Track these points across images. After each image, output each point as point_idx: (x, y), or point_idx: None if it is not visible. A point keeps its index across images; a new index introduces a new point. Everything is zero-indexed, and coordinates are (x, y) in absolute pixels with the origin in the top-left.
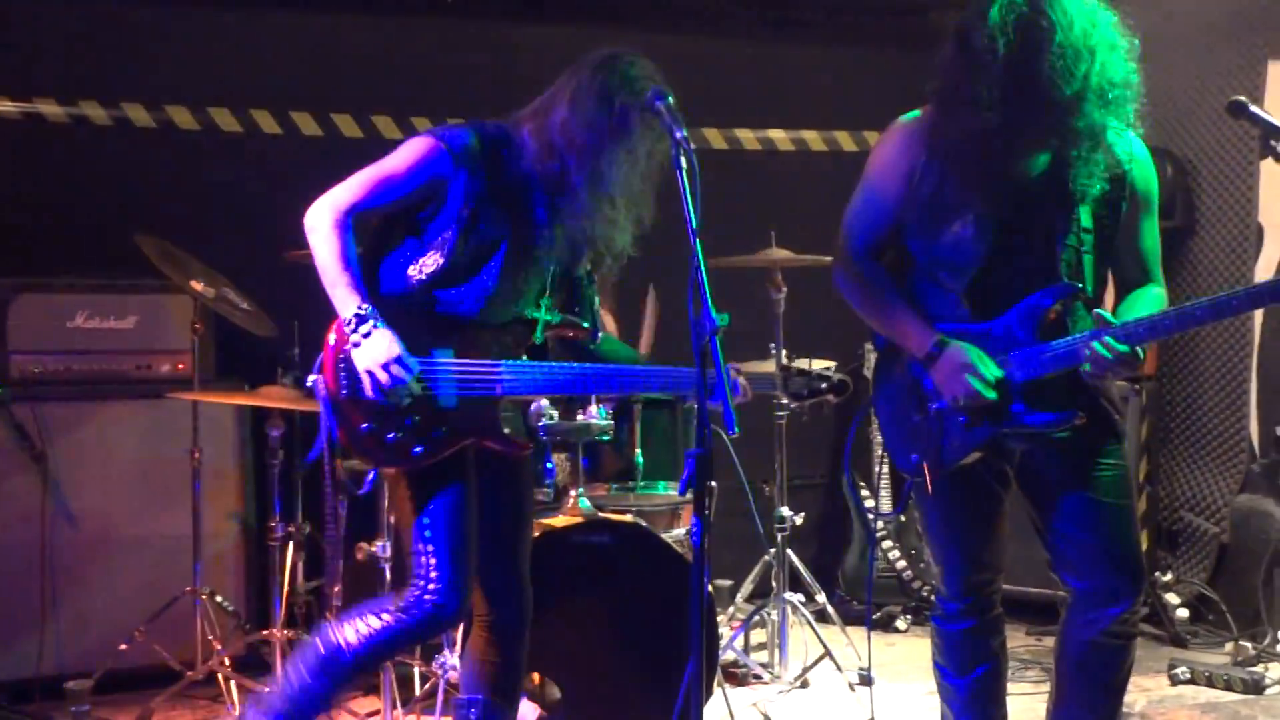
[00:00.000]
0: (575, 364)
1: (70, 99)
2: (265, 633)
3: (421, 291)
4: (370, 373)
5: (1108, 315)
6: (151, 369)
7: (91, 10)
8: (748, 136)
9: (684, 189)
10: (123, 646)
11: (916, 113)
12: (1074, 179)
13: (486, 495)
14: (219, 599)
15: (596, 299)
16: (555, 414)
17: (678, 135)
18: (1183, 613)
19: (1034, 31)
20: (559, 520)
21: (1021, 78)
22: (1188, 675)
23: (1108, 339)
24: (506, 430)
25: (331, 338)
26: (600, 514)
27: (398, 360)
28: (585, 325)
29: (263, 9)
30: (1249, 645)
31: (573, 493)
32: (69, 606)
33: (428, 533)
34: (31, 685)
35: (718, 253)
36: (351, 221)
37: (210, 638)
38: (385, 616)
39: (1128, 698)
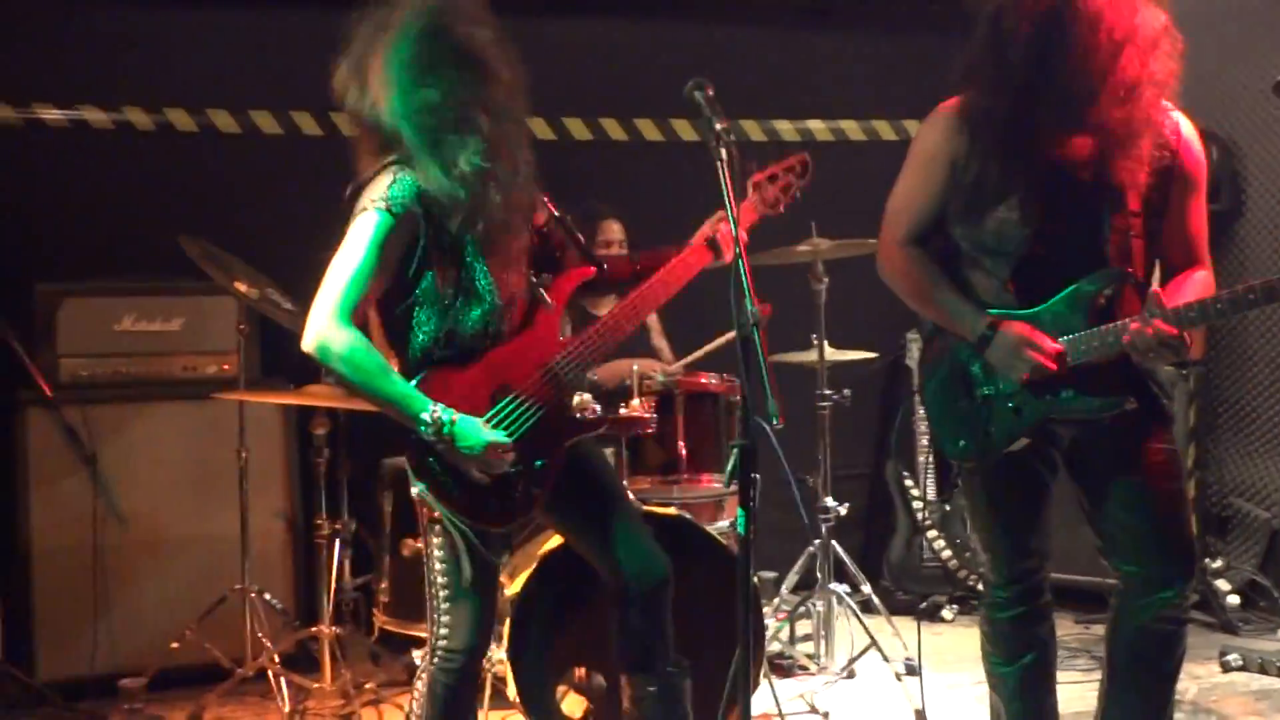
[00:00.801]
0: (597, 323)
1: (113, 105)
2: (314, 629)
3: (445, 344)
4: (471, 466)
5: (1158, 299)
6: (197, 370)
7: (130, 17)
8: (786, 128)
9: (725, 181)
10: (174, 645)
11: (958, 99)
12: (1114, 161)
13: (575, 481)
14: (267, 597)
15: (574, 231)
16: (599, 408)
17: (718, 126)
18: (1233, 599)
19: (1060, 18)
20: None
21: (1049, 60)
22: (1239, 662)
23: (1156, 323)
24: (579, 416)
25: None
26: (644, 507)
27: (490, 444)
28: (590, 264)
29: (302, 11)
30: None
31: None
32: (121, 606)
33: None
34: (85, 684)
35: (759, 245)
36: (359, 322)
37: (260, 635)
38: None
39: (1179, 685)
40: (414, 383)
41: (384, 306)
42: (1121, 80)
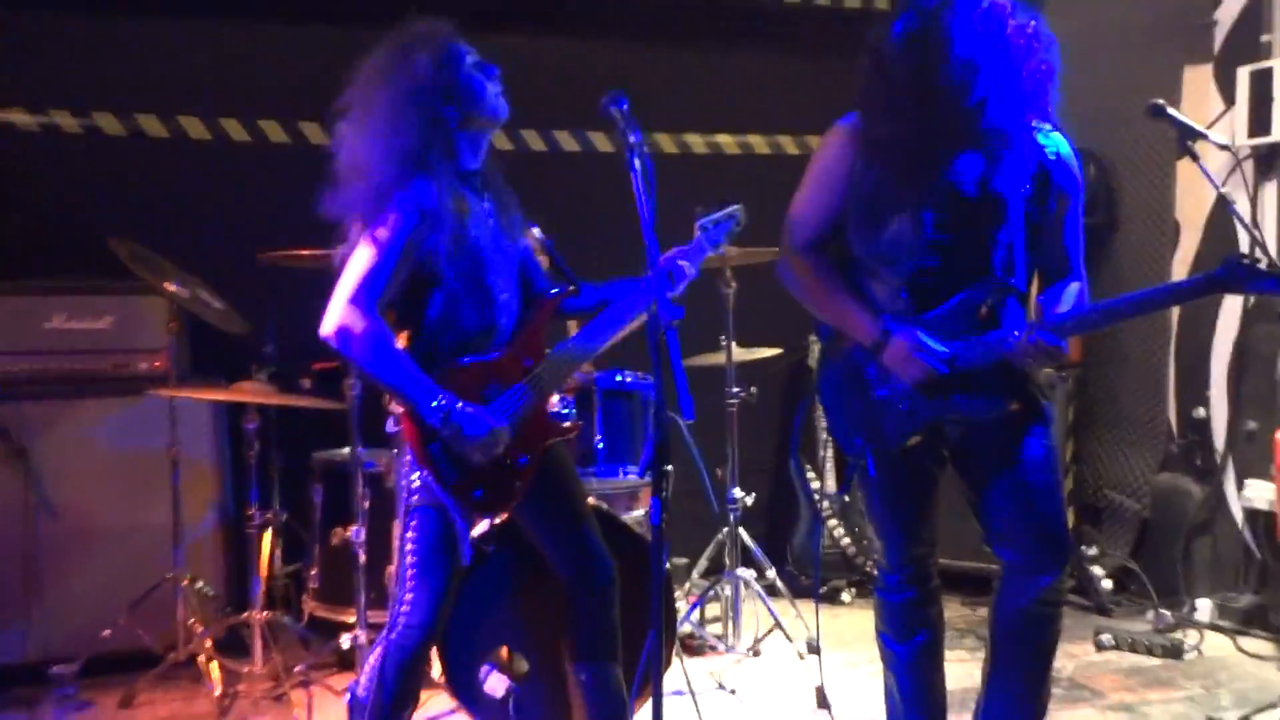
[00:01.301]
0: (572, 339)
1: (41, 108)
2: (245, 615)
3: (447, 345)
4: (472, 451)
5: (1041, 311)
6: (129, 367)
7: (61, 22)
8: (696, 141)
9: (639, 190)
10: (106, 632)
11: (855, 117)
12: (998, 178)
13: (547, 480)
14: (200, 584)
15: (556, 254)
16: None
17: (633, 139)
18: (1107, 584)
19: (932, 44)
20: None
21: (925, 87)
22: (1112, 642)
23: (1039, 334)
24: (563, 422)
25: (408, 432)
26: None
27: (493, 432)
28: (570, 285)
29: (228, 21)
30: (1168, 614)
31: None
32: (52, 595)
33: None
34: (18, 671)
35: (669, 247)
36: (374, 312)
37: (191, 621)
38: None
39: (1057, 663)
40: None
41: (396, 301)
42: (985, 99)
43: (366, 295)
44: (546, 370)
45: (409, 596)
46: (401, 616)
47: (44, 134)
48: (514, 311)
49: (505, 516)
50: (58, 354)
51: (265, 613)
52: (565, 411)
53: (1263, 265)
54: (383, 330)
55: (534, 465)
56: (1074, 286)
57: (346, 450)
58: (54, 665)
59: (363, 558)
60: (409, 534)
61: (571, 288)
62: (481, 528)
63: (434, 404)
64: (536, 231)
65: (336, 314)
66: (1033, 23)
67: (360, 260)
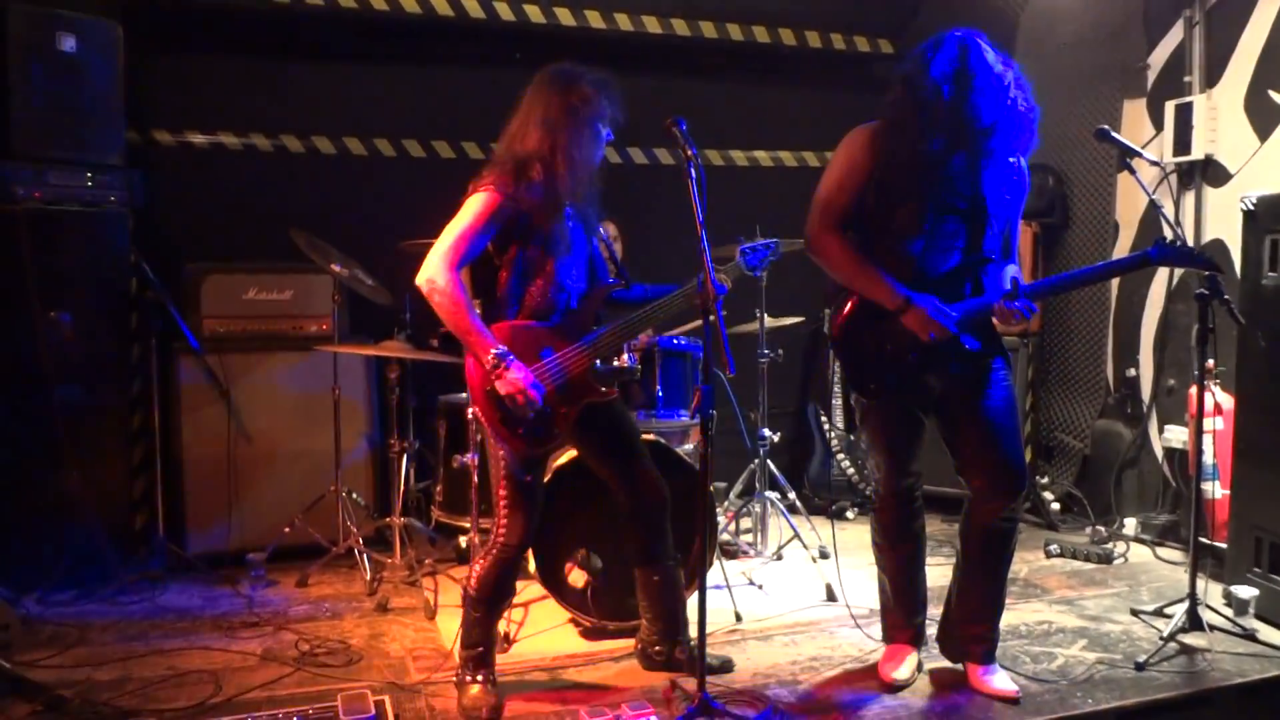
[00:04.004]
0: (624, 317)
1: (243, 132)
2: (387, 520)
3: (509, 307)
4: (512, 398)
5: (1020, 281)
6: (303, 329)
7: (256, 67)
8: (739, 155)
9: (694, 193)
10: (286, 529)
11: (874, 122)
12: (986, 182)
13: (602, 427)
14: (354, 495)
15: (615, 254)
16: (598, 363)
17: (690, 153)
18: (1055, 506)
19: (964, 80)
20: None
21: (958, 114)
22: (1059, 551)
23: (1020, 300)
24: (601, 386)
25: (474, 374)
26: None
27: (531, 386)
28: (622, 279)
29: (380, 65)
30: (1102, 529)
31: None
32: (248, 500)
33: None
34: (223, 556)
35: (718, 241)
36: (458, 273)
37: (348, 523)
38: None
39: (1013, 567)
40: (490, 326)
41: (478, 265)
42: (1002, 125)
43: (454, 256)
44: (597, 343)
45: (504, 522)
46: (500, 537)
47: (245, 152)
48: (579, 294)
49: (543, 451)
50: (253, 318)
51: (403, 518)
52: (617, 369)
53: (1179, 246)
54: (459, 286)
55: (573, 415)
56: (1011, 268)
57: (464, 394)
58: (249, 553)
59: (475, 478)
60: (500, 468)
61: (622, 282)
62: (523, 456)
63: (493, 349)
64: (609, 229)
65: (428, 266)
66: (1011, 72)
67: (453, 227)
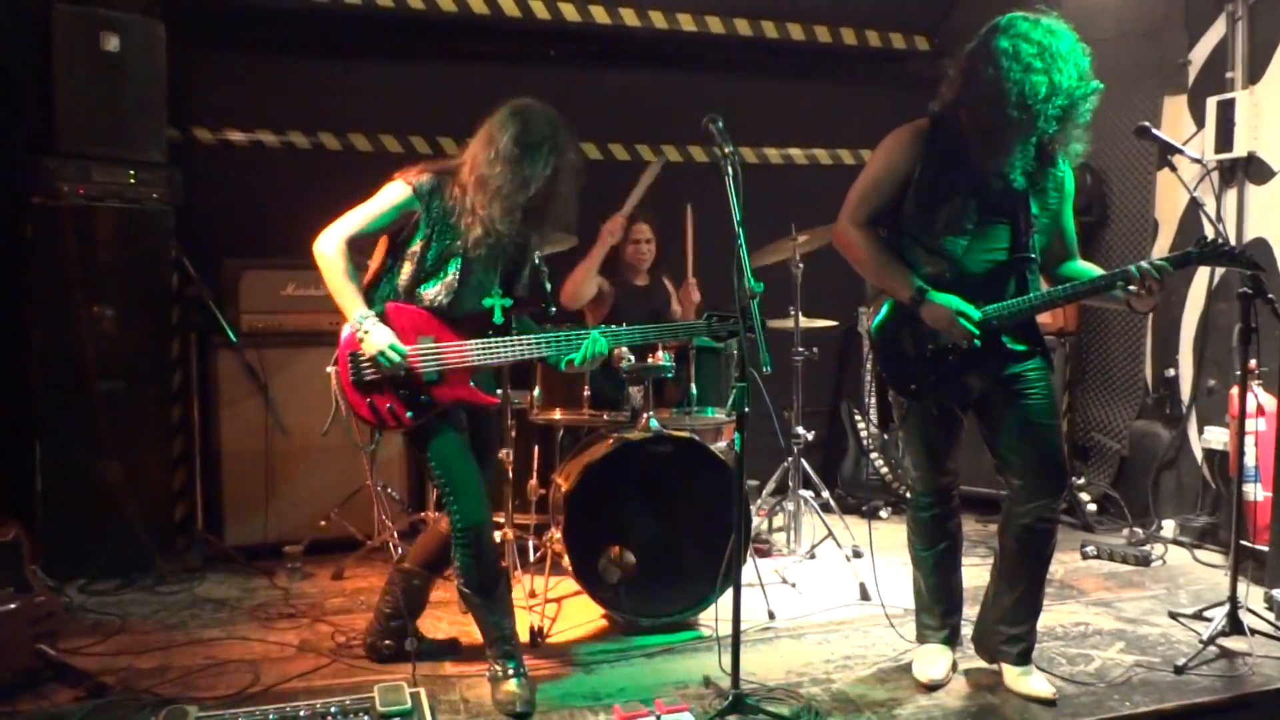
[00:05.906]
0: (523, 335)
1: (282, 130)
2: (421, 514)
3: (406, 294)
4: (373, 357)
5: (1089, 272)
6: (340, 324)
7: (293, 67)
8: (773, 153)
9: (731, 190)
10: (322, 523)
11: (920, 121)
12: (1023, 180)
13: (463, 429)
14: (389, 489)
15: (548, 283)
16: (633, 358)
17: (727, 150)
18: (1092, 507)
19: (1031, 67)
20: (634, 435)
21: (1020, 99)
22: (1095, 552)
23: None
24: (482, 391)
25: (343, 336)
26: (664, 431)
27: (391, 346)
28: (544, 303)
29: (416, 63)
30: (1140, 531)
31: (644, 415)
32: (285, 493)
33: (436, 472)
34: (260, 549)
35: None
36: (348, 246)
37: (383, 517)
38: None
39: (1050, 568)
40: (376, 301)
41: (391, 250)
42: (1061, 108)
43: (346, 229)
44: (479, 349)
45: (455, 507)
46: (456, 523)
47: (284, 149)
48: (481, 302)
49: (382, 426)
50: (290, 313)
51: (436, 512)
52: (649, 365)
53: (1224, 245)
54: (343, 256)
55: (433, 409)
56: (1082, 262)
57: (500, 391)
58: (286, 545)
59: (510, 473)
60: (427, 456)
61: (541, 305)
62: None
63: (359, 312)
64: (643, 230)
65: (323, 234)
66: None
67: (360, 206)
